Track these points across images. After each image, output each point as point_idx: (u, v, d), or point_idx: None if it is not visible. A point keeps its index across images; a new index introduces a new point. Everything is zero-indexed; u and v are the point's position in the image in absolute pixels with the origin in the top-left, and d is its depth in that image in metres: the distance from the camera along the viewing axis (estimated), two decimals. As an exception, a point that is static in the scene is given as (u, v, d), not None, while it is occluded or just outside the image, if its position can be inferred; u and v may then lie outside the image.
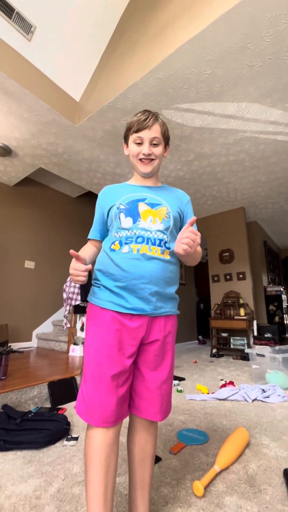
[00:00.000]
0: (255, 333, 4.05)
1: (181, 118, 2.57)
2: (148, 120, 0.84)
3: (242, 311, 4.16)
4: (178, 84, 2.19)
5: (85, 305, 3.07)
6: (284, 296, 4.96)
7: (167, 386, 0.80)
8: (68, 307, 3.08)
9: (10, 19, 2.07)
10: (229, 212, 4.85)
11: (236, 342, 4.10)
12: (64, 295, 3.14)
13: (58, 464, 1.15)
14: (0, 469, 1.12)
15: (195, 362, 3.61)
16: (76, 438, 1.35)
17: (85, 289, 3.06)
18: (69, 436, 1.37)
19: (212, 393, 2.12)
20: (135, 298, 0.76)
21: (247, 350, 2.79)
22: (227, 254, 4.76)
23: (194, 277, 6.64)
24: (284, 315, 4.90)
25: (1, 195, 3.80)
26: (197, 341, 6.04)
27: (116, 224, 0.84)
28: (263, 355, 2.61)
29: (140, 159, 0.88)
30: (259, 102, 2.37)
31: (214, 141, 2.92)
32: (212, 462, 1.16)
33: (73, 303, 3.05)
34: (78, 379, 2.14)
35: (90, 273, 0.83)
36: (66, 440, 1.34)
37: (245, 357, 3.80)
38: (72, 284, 3.12)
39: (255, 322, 4.09)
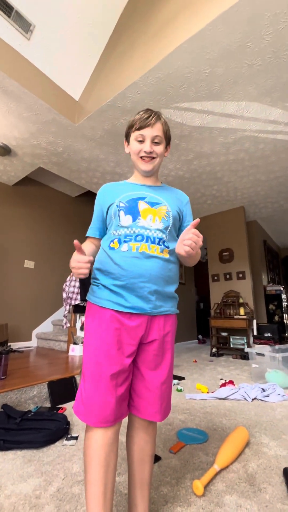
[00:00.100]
0: (255, 333, 4.05)
1: (181, 117, 2.56)
2: (150, 118, 0.85)
3: (241, 311, 4.16)
4: (178, 83, 2.19)
5: (84, 305, 3.07)
6: (283, 295, 4.96)
7: (167, 386, 0.80)
8: (68, 307, 3.08)
9: (9, 17, 2.06)
10: (229, 211, 4.85)
11: (236, 341, 4.10)
12: (64, 295, 3.13)
13: (58, 464, 1.15)
14: (0, 468, 1.12)
15: (195, 361, 3.61)
16: (76, 438, 1.35)
17: (85, 289, 3.06)
18: (68, 436, 1.37)
19: (212, 392, 2.12)
20: (134, 297, 0.76)
21: (246, 349, 2.79)
22: (227, 253, 4.76)
23: (194, 277, 6.64)
24: (284, 314, 4.90)
25: (1, 194, 3.79)
26: (197, 340, 6.04)
27: (116, 222, 0.84)
28: (262, 354, 2.61)
29: (141, 157, 0.88)
30: (258, 101, 2.36)
31: (213, 140, 2.92)
32: (212, 461, 1.16)
33: (73, 302, 3.05)
34: (78, 378, 2.14)
35: (90, 271, 0.82)
36: (66, 439, 1.34)
37: (245, 356, 3.80)
38: (72, 283, 3.12)
39: (254, 322, 4.09)
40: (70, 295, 3.07)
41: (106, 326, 0.75)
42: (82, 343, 3.04)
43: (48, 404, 1.86)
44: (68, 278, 3.21)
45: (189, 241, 0.71)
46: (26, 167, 3.49)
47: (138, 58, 2.18)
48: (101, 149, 3.08)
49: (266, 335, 3.93)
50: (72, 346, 3.06)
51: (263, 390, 2.11)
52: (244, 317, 4.05)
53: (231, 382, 2.34)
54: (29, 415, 1.46)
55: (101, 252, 0.86)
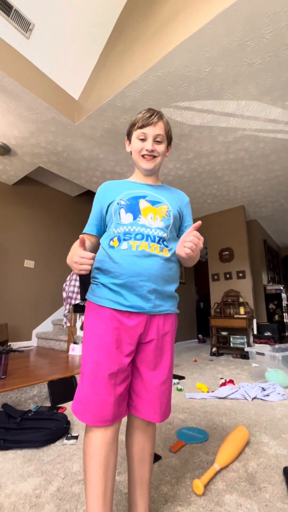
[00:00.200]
0: (255, 332, 4.05)
1: (181, 116, 2.56)
2: (153, 117, 0.85)
3: (242, 310, 4.16)
4: (178, 82, 2.18)
5: (84, 304, 3.07)
6: (283, 295, 4.96)
7: (167, 387, 0.79)
8: (68, 306, 3.08)
9: (9, 16, 2.06)
10: (229, 210, 4.85)
11: (236, 340, 4.10)
12: (64, 294, 3.13)
13: (58, 463, 1.15)
14: (0, 468, 1.12)
15: (195, 360, 3.61)
16: (76, 437, 1.35)
17: (84, 288, 3.06)
18: (69, 435, 1.37)
19: (212, 391, 2.12)
20: (133, 296, 0.76)
21: (247, 349, 2.79)
22: (227, 252, 4.76)
23: (194, 276, 6.64)
24: (284, 314, 4.90)
25: (0, 194, 3.79)
26: (197, 339, 6.05)
27: (116, 219, 0.83)
28: (262, 354, 2.61)
29: (143, 155, 0.88)
30: (258, 100, 2.36)
31: (213, 140, 2.91)
32: (212, 461, 1.16)
33: (73, 302, 3.05)
34: (78, 378, 2.14)
35: (90, 271, 0.82)
36: (66, 439, 1.34)
37: (245, 356, 3.80)
38: (72, 283, 3.12)
39: (254, 321, 4.09)
40: (70, 294, 3.07)
41: (105, 325, 0.75)
42: (82, 342, 3.04)
43: (48, 404, 1.86)
44: (68, 278, 3.21)
45: (189, 244, 0.71)
46: (25, 167, 3.49)
47: (137, 57, 2.17)
48: (100, 148, 3.08)
49: (266, 334, 3.93)
50: (72, 345, 3.06)
51: (263, 389, 2.11)
52: (244, 316, 4.05)
53: (231, 381, 2.34)
54: (29, 414, 1.46)
55: (101, 250, 0.85)
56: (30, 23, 2.14)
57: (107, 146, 3.04)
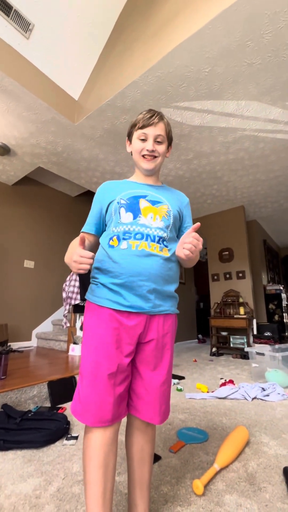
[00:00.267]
0: (255, 332, 4.05)
1: (180, 116, 2.56)
2: (154, 117, 0.86)
3: (241, 310, 4.16)
4: (177, 82, 2.18)
5: (84, 304, 3.07)
6: (283, 295, 4.96)
7: (166, 388, 0.79)
8: (67, 307, 3.08)
9: (8, 17, 2.06)
10: (229, 211, 4.85)
11: (236, 341, 4.10)
12: (64, 295, 3.13)
13: (58, 463, 1.14)
14: (0, 468, 1.12)
15: (195, 361, 3.61)
16: (76, 437, 1.35)
17: (84, 288, 3.06)
18: (68, 435, 1.37)
19: (212, 391, 2.12)
20: (133, 296, 0.75)
21: (246, 349, 2.79)
22: (227, 253, 4.76)
23: (194, 276, 6.64)
24: (284, 314, 4.90)
25: (0, 194, 3.79)
26: (196, 340, 6.05)
27: (116, 218, 0.83)
28: (262, 354, 2.61)
29: (143, 155, 0.88)
30: (258, 100, 2.36)
31: (213, 140, 2.92)
32: (212, 461, 1.16)
33: (73, 302, 3.05)
34: (77, 378, 2.13)
35: (90, 271, 0.81)
36: (66, 439, 1.34)
37: (244, 356, 3.80)
38: (72, 283, 3.12)
39: (254, 321, 4.09)
40: (70, 294, 3.07)
41: (105, 325, 0.74)
42: (81, 342, 3.04)
43: (48, 404, 1.86)
44: (68, 278, 3.21)
45: (189, 245, 0.72)
46: (25, 167, 3.49)
47: (137, 57, 2.17)
48: (100, 148, 3.08)
49: (266, 334, 3.94)
50: (72, 345, 3.06)
51: (263, 389, 2.11)
52: (244, 316, 4.05)
53: (231, 381, 2.34)
54: (29, 415, 1.46)
55: (100, 250, 0.85)
56: (29, 24, 2.15)
57: (107, 147, 3.04)
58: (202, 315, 6.93)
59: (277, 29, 1.77)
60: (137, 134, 0.88)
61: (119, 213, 0.83)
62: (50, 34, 2.27)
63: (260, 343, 3.64)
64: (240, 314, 4.16)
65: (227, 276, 4.68)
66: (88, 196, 4.96)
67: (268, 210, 4.85)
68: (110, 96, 2.32)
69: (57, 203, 4.58)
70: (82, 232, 0.91)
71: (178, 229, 0.91)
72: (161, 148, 0.88)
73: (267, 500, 0.92)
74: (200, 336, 6.08)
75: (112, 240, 0.81)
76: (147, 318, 0.77)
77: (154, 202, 0.85)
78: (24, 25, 2.13)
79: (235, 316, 4.15)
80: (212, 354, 4.11)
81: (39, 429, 1.35)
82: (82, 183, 3.93)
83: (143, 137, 0.87)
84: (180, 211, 0.91)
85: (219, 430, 1.46)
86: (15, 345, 3.58)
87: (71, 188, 4.63)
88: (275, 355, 2.46)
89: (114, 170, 3.56)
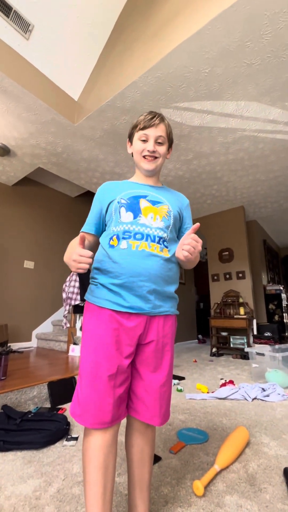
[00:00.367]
0: (255, 332, 4.05)
1: (180, 117, 2.56)
2: (155, 119, 0.87)
3: (241, 310, 4.16)
4: (177, 83, 2.19)
5: (84, 305, 3.07)
6: (283, 295, 4.96)
7: (166, 389, 0.79)
8: (67, 307, 3.08)
9: (8, 17, 2.06)
10: (229, 211, 4.85)
11: (236, 341, 4.10)
12: (64, 295, 3.13)
13: (58, 464, 1.14)
14: (0, 469, 1.12)
15: (195, 361, 3.61)
16: (76, 438, 1.35)
17: (84, 289, 3.06)
18: (69, 436, 1.37)
19: (212, 392, 2.12)
20: (132, 296, 0.75)
21: (247, 349, 2.79)
22: (227, 253, 4.76)
23: (194, 276, 6.64)
24: (284, 314, 4.90)
25: (0, 195, 3.79)
26: (196, 340, 6.04)
27: (116, 218, 0.83)
28: (263, 354, 2.61)
29: (144, 156, 0.89)
30: (258, 101, 2.36)
31: (213, 140, 2.92)
32: (212, 462, 1.16)
33: (73, 302, 3.05)
34: (77, 379, 2.13)
35: (89, 271, 0.81)
36: (66, 440, 1.34)
37: (245, 356, 3.80)
38: (72, 284, 3.12)
39: (254, 321, 4.09)
40: (69, 295, 3.07)
41: (104, 326, 0.74)
42: (80, 343, 3.04)
43: (48, 405, 1.85)
44: (68, 279, 3.21)
45: (187, 246, 0.72)
46: (25, 167, 3.49)
47: (137, 58, 2.17)
48: (100, 149, 3.08)
49: (266, 334, 3.94)
50: (72, 346, 3.05)
51: (263, 389, 2.11)
52: (244, 316, 4.05)
53: (231, 382, 2.33)
54: (29, 415, 1.46)
55: (100, 250, 0.85)
56: (29, 24, 2.15)
57: (106, 147, 3.04)
58: (202, 316, 6.92)
59: (277, 29, 1.77)
60: (138, 135, 0.89)
61: (119, 212, 0.83)
62: (50, 34, 2.28)
63: (260, 343, 3.64)
64: (240, 314, 4.16)
65: (227, 276, 4.68)
66: (88, 196, 4.96)
67: (268, 210, 4.86)
68: (110, 97, 2.32)
69: (57, 203, 4.58)
70: (81, 232, 0.91)
71: (178, 230, 0.91)
72: (162, 149, 0.89)
73: (267, 501, 0.91)
74: (200, 336, 6.08)
75: (112, 240, 0.81)
76: (147, 319, 0.77)
77: (154, 202, 0.85)
78: (23, 26, 2.13)
79: (235, 316, 4.15)
80: (212, 354, 4.10)
81: (39, 430, 1.35)
82: (82, 184, 3.93)
83: (144, 138, 0.87)
84: (180, 212, 0.91)
85: (219, 430, 1.46)
86: (15, 346, 3.58)
87: (71, 189, 4.63)
88: (275, 355, 2.46)
89: (113, 170, 3.56)
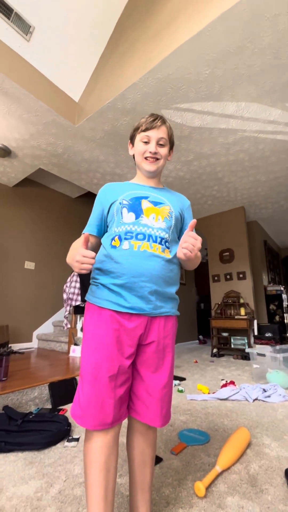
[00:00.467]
0: (256, 333, 4.05)
1: (181, 118, 2.56)
2: (156, 121, 0.88)
3: (242, 311, 4.16)
4: (178, 84, 2.19)
5: (85, 306, 3.07)
6: (284, 296, 4.95)
7: (167, 391, 0.78)
8: (68, 308, 3.08)
9: (9, 19, 2.07)
10: (229, 211, 4.85)
11: (237, 341, 4.09)
12: (64, 296, 3.14)
13: (59, 465, 1.14)
14: (1, 470, 1.11)
15: (196, 362, 3.60)
16: (77, 439, 1.35)
17: (85, 289, 3.06)
18: (70, 437, 1.37)
19: (213, 393, 2.12)
20: (134, 297, 0.75)
21: (247, 350, 2.78)
22: (227, 253, 4.76)
23: (195, 277, 6.64)
24: (285, 315, 4.89)
25: (1, 196, 3.80)
26: (197, 341, 6.04)
27: (118, 219, 0.84)
28: (263, 355, 2.60)
29: (146, 157, 0.89)
30: (258, 102, 2.37)
31: (213, 141, 2.92)
32: (214, 463, 1.16)
33: (73, 303, 3.05)
34: (78, 379, 2.13)
35: (90, 271, 0.81)
36: (67, 441, 1.34)
37: (245, 357, 3.79)
38: (72, 284, 3.12)
39: (255, 322, 4.09)
40: (70, 296, 3.07)
41: (105, 326, 0.74)
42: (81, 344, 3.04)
43: (49, 406, 1.85)
44: (68, 279, 3.21)
45: (186, 244, 0.72)
46: (26, 169, 3.50)
47: (138, 59, 2.18)
48: (101, 150, 3.08)
49: (267, 335, 3.93)
50: (73, 347, 3.05)
51: (264, 390, 2.11)
52: (245, 317, 4.04)
53: (232, 382, 2.33)
54: (30, 416, 1.46)
55: (101, 251, 0.85)
56: (30, 26, 2.16)
57: (107, 148, 3.05)
58: (202, 316, 6.92)
59: (277, 31, 1.78)
60: (140, 136, 0.89)
61: (121, 213, 0.83)
62: (51, 36, 2.28)
63: (261, 344, 3.64)
64: (240, 315, 4.15)
65: (228, 277, 4.68)
66: (88, 197, 4.97)
67: (269, 211, 4.86)
68: (111, 98, 2.33)
69: (58, 204, 4.59)
70: (83, 233, 0.91)
71: (179, 231, 0.91)
72: (164, 150, 0.90)
73: (269, 502, 0.91)
74: (200, 337, 6.08)
75: (114, 241, 0.81)
76: (147, 320, 0.77)
77: (156, 203, 0.85)
78: (24, 27, 2.14)
79: (236, 317, 4.14)
80: (213, 355, 4.10)
81: (40, 431, 1.35)
82: (83, 185, 3.94)
83: (146, 140, 0.88)
84: (182, 213, 0.92)
85: (221, 431, 1.46)
86: (16, 347, 3.58)
87: (71, 190, 4.64)
88: (276, 356, 2.46)
89: (114, 171, 3.56)
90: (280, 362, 2.45)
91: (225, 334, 4.28)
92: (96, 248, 0.94)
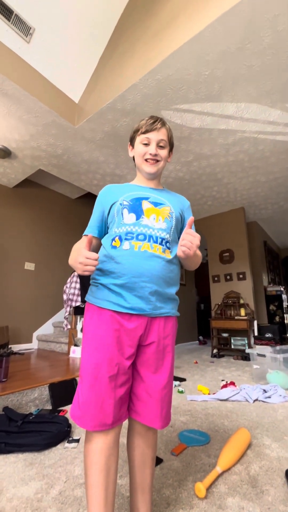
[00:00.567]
0: (256, 333, 4.05)
1: (180, 118, 2.57)
2: (156, 123, 0.88)
3: (242, 311, 4.16)
4: (177, 85, 2.20)
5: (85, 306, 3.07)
6: (284, 296, 4.95)
7: (167, 392, 0.78)
8: (68, 309, 3.08)
9: (9, 21, 2.07)
10: (229, 212, 4.85)
11: (237, 342, 4.09)
12: (64, 297, 3.13)
13: (60, 466, 1.14)
14: (1, 472, 1.11)
15: (196, 362, 3.60)
16: (77, 440, 1.35)
17: (85, 290, 3.06)
18: (70, 438, 1.37)
19: (213, 393, 2.12)
20: (134, 297, 0.75)
21: (248, 350, 2.78)
22: (227, 254, 4.76)
23: (195, 278, 6.64)
24: (285, 315, 4.89)
25: (1, 197, 3.80)
26: (197, 341, 6.03)
27: (118, 219, 0.84)
28: (264, 355, 2.60)
29: (146, 159, 0.90)
30: (258, 102, 2.37)
31: (213, 142, 2.93)
32: (214, 463, 1.16)
33: (73, 304, 3.05)
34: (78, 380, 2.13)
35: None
36: (67, 442, 1.33)
37: (246, 357, 3.79)
38: (72, 285, 3.12)
39: (255, 322, 4.09)
40: (70, 296, 3.07)
41: (105, 327, 0.74)
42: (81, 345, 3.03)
43: (49, 407, 1.85)
44: (68, 280, 3.21)
45: (184, 241, 0.72)
46: (26, 169, 3.50)
47: (137, 60, 2.18)
48: (101, 151, 3.09)
49: (267, 335, 3.93)
50: (73, 348, 3.05)
51: (265, 391, 2.11)
52: (245, 318, 4.04)
53: (232, 383, 2.33)
54: (30, 417, 1.46)
55: (102, 251, 0.85)
56: (30, 28, 2.16)
57: (107, 149, 3.05)
58: (202, 317, 6.92)
59: (277, 32, 1.78)
60: (140, 139, 0.90)
61: (122, 214, 0.83)
62: (51, 37, 2.29)
63: (261, 344, 3.64)
64: (240, 316, 4.15)
65: (228, 277, 4.68)
66: (88, 198, 4.97)
67: (268, 211, 4.86)
68: (111, 99, 2.33)
69: (58, 205, 4.59)
70: (84, 235, 0.92)
71: (180, 231, 0.92)
72: (163, 152, 0.90)
73: (269, 503, 0.91)
74: (201, 337, 6.07)
75: (115, 241, 0.81)
76: (147, 321, 0.77)
77: (156, 204, 0.86)
78: (24, 29, 2.15)
79: (236, 317, 4.14)
80: (213, 355, 4.10)
81: (40, 432, 1.35)
82: (83, 185, 3.94)
83: (146, 142, 0.89)
84: (182, 213, 0.92)
85: (221, 432, 1.46)
86: (16, 347, 3.58)
87: (71, 190, 4.65)
88: (276, 356, 2.46)
89: (114, 172, 3.57)
90: (280, 363, 2.44)
91: (225, 335, 4.28)
92: (97, 249, 0.94)
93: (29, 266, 3.97)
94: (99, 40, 2.50)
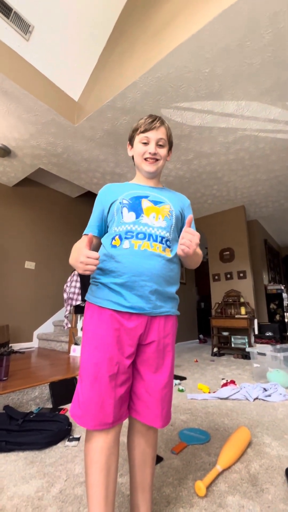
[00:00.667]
0: (256, 332, 4.04)
1: (180, 117, 2.56)
2: (155, 122, 0.88)
3: (243, 310, 4.16)
4: (177, 83, 2.18)
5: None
6: (284, 295, 4.95)
7: (168, 391, 0.78)
8: (68, 307, 3.09)
9: (8, 19, 2.06)
10: (230, 210, 4.85)
11: (237, 341, 4.09)
12: (65, 295, 3.14)
13: (60, 465, 1.15)
14: (2, 470, 1.12)
15: (196, 361, 3.61)
16: (78, 439, 1.35)
17: (85, 289, 3.06)
18: (70, 437, 1.37)
19: (214, 392, 2.12)
20: (134, 296, 0.75)
21: (248, 349, 2.78)
22: (228, 253, 4.75)
23: (195, 276, 6.63)
24: (285, 314, 4.89)
25: (1, 195, 3.80)
26: (198, 340, 6.04)
27: (118, 218, 0.83)
28: (264, 354, 2.60)
29: (145, 158, 0.89)
30: (258, 100, 2.36)
31: (213, 140, 2.91)
32: (214, 462, 1.16)
33: (74, 303, 3.05)
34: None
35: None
36: (68, 440, 1.34)
37: (246, 356, 3.80)
38: (73, 284, 3.12)
39: (256, 321, 4.09)
40: (71, 295, 3.08)
41: (105, 326, 0.74)
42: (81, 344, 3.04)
43: (49, 405, 1.86)
44: (68, 279, 3.22)
45: (183, 240, 0.72)
46: (26, 168, 3.49)
47: (137, 58, 2.17)
48: (100, 149, 3.08)
49: (267, 334, 3.93)
50: (73, 346, 3.06)
51: (265, 389, 2.11)
52: (245, 316, 4.04)
53: (232, 382, 2.33)
54: (31, 416, 1.46)
55: (102, 250, 0.85)
56: (29, 25, 2.15)
57: (107, 148, 3.04)
58: (203, 315, 6.92)
59: (277, 29, 1.77)
60: (139, 138, 0.89)
61: (122, 212, 0.83)
62: (50, 35, 2.28)
63: (262, 343, 3.64)
64: (241, 314, 4.15)
65: (228, 276, 4.68)
66: (88, 197, 4.97)
67: (269, 209, 4.85)
68: (110, 97, 2.32)
69: (58, 204, 4.59)
70: (84, 234, 0.92)
71: (180, 230, 0.91)
72: (163, 151, 0.90)
73: (269, 502, 0.91)
74: (201, 336, 6.08)
75: (115, 240, 0.81)
76: (147, 320, 0.77)
77: (156, 202, 0.85)
78: (24, 27, 2.14)
79: (236, 316, 4.14)
80: (213, 354, 4.10)
81: (41, 430, 1.35)
82: (82, 184, 3.93)
83: (145, 141, 0.88)
84: (182, 212, 0.92)
85: (221, 431, 1.46)
86: (16, 346, 3.59)
87: (71, 189, 4.64)
88: (277, 355, 2.46)
89: (114, 171, 3.56)
90: (280, 361, 2.45)
91: (225, 333, 4.28)
92: (96, 248, 0.94)
93: (29, 265, 3.97)
94: (99, 39, 2.49)
